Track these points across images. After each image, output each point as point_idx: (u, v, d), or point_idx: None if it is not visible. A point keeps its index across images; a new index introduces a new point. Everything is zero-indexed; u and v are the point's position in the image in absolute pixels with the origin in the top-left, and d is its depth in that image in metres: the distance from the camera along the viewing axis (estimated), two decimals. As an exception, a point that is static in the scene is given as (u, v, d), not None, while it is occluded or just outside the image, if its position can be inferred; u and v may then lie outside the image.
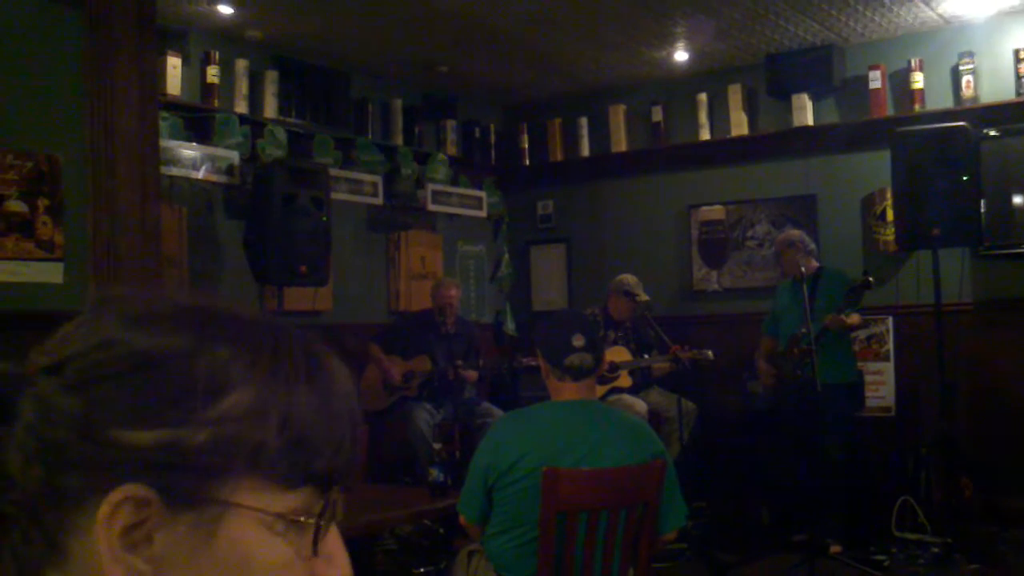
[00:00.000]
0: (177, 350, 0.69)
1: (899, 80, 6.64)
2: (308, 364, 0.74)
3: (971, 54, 6.36)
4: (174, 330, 0.70)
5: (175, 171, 5.85)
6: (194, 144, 6.00)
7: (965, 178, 5.70)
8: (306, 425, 0.72)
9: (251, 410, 0.70)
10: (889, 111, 6.65)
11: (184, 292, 0.75)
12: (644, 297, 6.58)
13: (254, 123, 6.35)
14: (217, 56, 6.19)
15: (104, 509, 0.67)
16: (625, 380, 6.52)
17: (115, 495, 0.67)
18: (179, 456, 0.67)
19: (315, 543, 0.72)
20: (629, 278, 6.68)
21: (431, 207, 7.56)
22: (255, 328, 0.73)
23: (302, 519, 0.71)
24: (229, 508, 0.69)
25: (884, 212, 6.66)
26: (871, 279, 5.48)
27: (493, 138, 8.23)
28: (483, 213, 8.09)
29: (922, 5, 6.09)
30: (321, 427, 0.73)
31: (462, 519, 3.12)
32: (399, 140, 7.34)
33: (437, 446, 4.39)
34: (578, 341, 3.02)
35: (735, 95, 7.23)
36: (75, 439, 0.67)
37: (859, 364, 6.28)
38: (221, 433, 0.68)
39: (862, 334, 6.48)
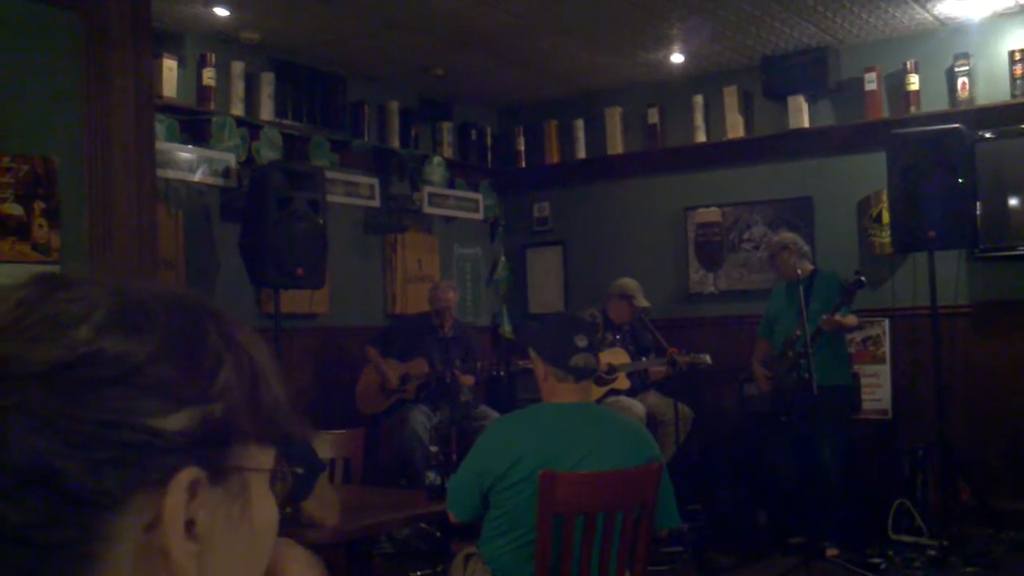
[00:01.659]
0: (174, 333, 0.69)
1: (894, 82, 6.65)
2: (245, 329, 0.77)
3: (966, 56, 6.37)
4: (158, 322, 0.69)
5: (171, 174, 5.84)
6: (190, 147, 5.99)
7: (961, 180, 5.70)
8: (268, 384, 0.74)
9: (239, 376, 0.71)
10: (884, 113, 6.67)
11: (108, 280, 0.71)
12: (644, 303, 6.58)
13: (250, 125, 6.35)
14: (213, 58, 6.18)
15: (171, 500, 0.65)
16: (623, 382, 6.52)
17: (178, 481, 0.66)
18: (206, 432, 0.68)
19: (294, 497, 0.76)
20: (630, 282, 6.69)
21: (427, 209, 7.55)
22: (197, 303, 0.75)
23: (285, 472, 0.75)
24: (248, 474, 0.71)
25: (880, 214, 6.67)
26: (863, 278, 5.48)
27: (489, 140, 8.24)
28: (479, 215, 8.09)
29: (917, 7, 6.10)
30: (275, 384, 0.75)
31: (453, 519, 3.11)
32: (395, 142, 7.34)
33: (434, 449, 4.38)
34: (581, 341, 3.03)
35: (731, 97, 7.24)
36: (105, 436, 0.64)
37: (855, 366, 6.29)
38: (229, 403, 0.70)
39: (858, 336, 6.49)
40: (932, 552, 5.38)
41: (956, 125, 5.85)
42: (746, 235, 7.33)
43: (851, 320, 5.70)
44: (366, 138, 7.15)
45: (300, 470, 0.76)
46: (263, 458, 0.73)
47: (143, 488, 0.65)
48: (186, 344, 0.69)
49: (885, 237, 6.56)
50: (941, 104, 6.49)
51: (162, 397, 0.66)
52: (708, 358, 6.27)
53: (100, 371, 0.65)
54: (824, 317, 5.50)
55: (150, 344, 0.67)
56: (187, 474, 0.66)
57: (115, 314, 0.67)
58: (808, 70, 6.81)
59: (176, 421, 0.66)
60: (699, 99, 7.38)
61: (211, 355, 0.70)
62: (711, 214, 7.46)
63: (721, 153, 7.34)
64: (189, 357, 0.69)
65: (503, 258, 8.36)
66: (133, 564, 0.65)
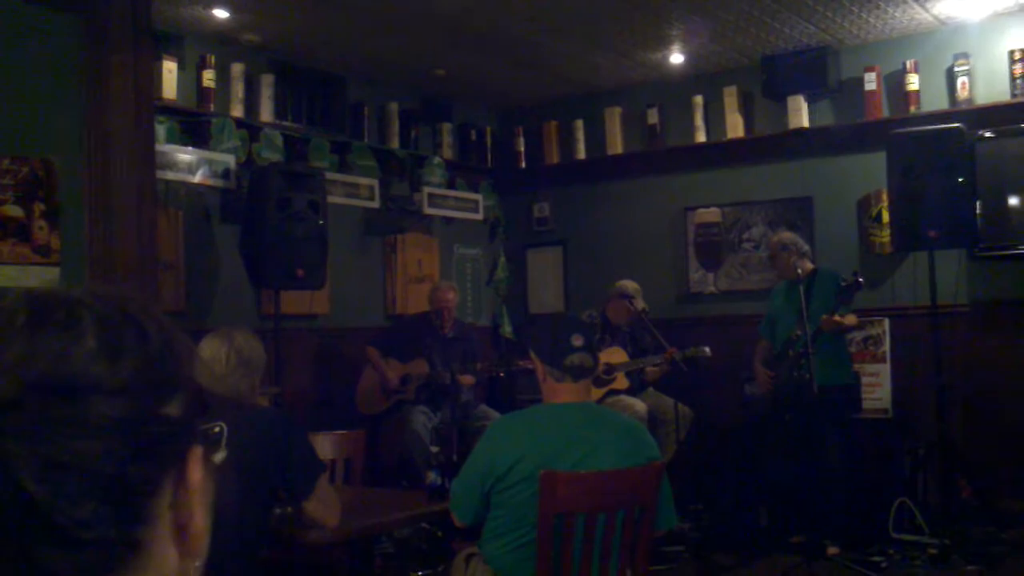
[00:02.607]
0: (157, 334, 0.75)
1: (894, 82, 6.65)
2: None
3: (966, 55, 6.37)
4: (143, 327, 0.75)
5: (171, 175, 5.85)
6: (190, 148, 6.00)
7: (960, 180, 5.70)
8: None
9: (190, 363, 0.79)
10: (884, 113, 6.67)
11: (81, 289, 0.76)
12: (642, 304, 6.57)
13: (250, 127, 6.35)
14: (213, 60, 6.19)
15: (195, 475, 0.74)
16: (622, 382, 6.53)
17: (195, 456, 0.75)
18: (191, 412, 0.75)
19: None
20: (629, 284, 6.68)
21: (427, 210, 7.56)
22: (147, 301, 0.80)
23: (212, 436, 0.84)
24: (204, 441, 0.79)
25: (880, 214, 6.67)
26: (860, 279, 5.48)
27: (489, 141, 8.24)
28: (479, 216, 8.09)
29: (917, 6, 6.11)
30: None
31: (457, 522, 3.11)
32: (395, 143, 7.34)
33: (434, 449, 4.39)
34: (577, 341, 3.03)
35: (731, 97, 7.24)
36: (142, 430, 0.70)
37: (856, 366, 6.28)
38: (194, 386, 0.77)
39: (858, 336, 6.49)
40: (933, 550, 5.37)
41: (956, 125, 5.85)
42: (746, 235, 7.33)
43: (851, 320, 5.70)
44: (366, 139, 7.16)
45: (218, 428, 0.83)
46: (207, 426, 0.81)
47: (170, 469, 0.73)
48: (165, 342, 0.76)
49: (885, 236, 6.56)
50: (941, 104, 6.50)
51: (165, 390, 0.73)
52: (707, 350, 6.27)
53: (119, 376, 0.70)
54: (824, 317, 5.50)
55: (146, 347, 0.73)
56: (198, 450, 0.75)
57: (108, 327, 0.73)
58: (808, 70, 6.81)
59: (175, 407, 0.73)
60: (699, 99, 7.38)
61: (179, 348, 0.77)
62: (711, 214, 7.47)
63: (721, 153, 7.34)
64: (169, 353, 0.75)
65: (503, 258, 8.37)
66: (166, 540, 0.72)
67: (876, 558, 5.39)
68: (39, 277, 4.13)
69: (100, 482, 0.67)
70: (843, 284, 5.50)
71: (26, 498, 0.64)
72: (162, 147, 5.60)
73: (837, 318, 5.54)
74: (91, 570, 0.67)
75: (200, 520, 0.74)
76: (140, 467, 0.69)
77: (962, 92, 6.37)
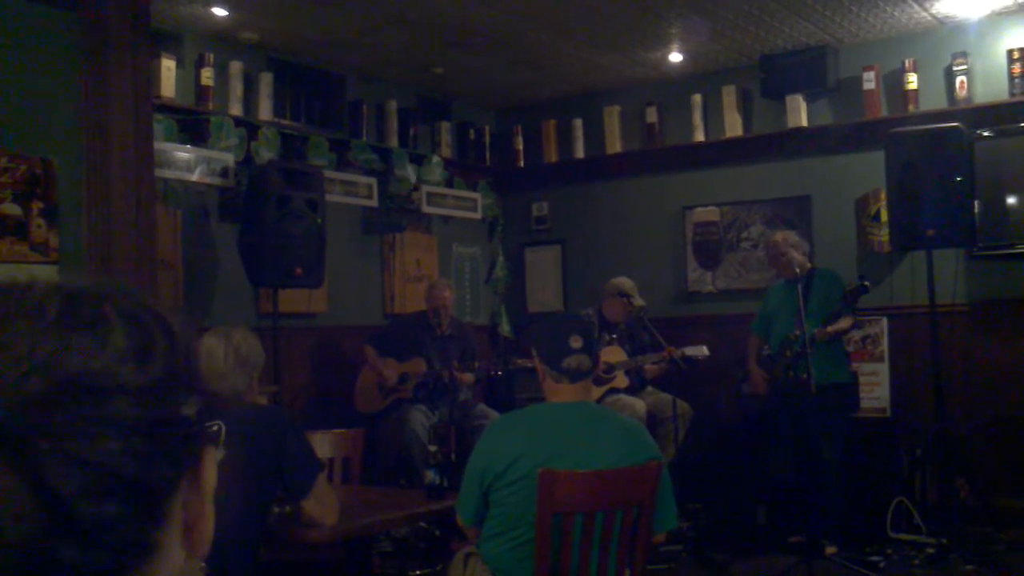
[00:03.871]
0: (178, 335, 0.76)
1: (893, 81, 6.65)
2: None
3: (965, 55, 6.37)
4: (167, 329, 0.75)
5: (169, 174, 5.84)
6: (188, 146, 5.99)
7: (959, 179, 5.70)
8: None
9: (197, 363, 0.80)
10: (883, 112, 6.67)
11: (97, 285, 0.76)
12: (640, 302, 6.57)
13: (249, 125, 6.34)
14: (211, 58, 6.18)
15: (209, 476, 0.75)
16: (621, 380, 6.52)
17: (210, 457, 0.76)
18: (205, 412, 0.76)
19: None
20: (625, 281, 6.67)
21: (426, 209, 7.55)
22: (155, 302, 0.80)
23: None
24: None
25: (878, 213, 6.67)
26: (867, 283, 5.48)
27: (488, 140, 8.24)
28: (478, 215, 8.09)
29: (915, 6, 6.11)
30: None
31: (459, 521, 3.12)
32: (394, 142, 7.34)
33: (433, 448, 4.38)
34: (576, 343, 3.02)
35: (729, 96, 7.24)
36: (162, 432, 0.70)
37: (854, 365, 6.28)
38: (204, 385, 0.77)
39: (856, 335, 6.49)
40: (931, 550, 5.38)
41: (954, 124, 5.84)
42: (744, 234, 7.33)
43: (843, 325, 5.69)
44: (364, 137, 7.15)
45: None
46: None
47: (186, 470, 0.73)
48: (187, 343, 0.76)
49: (883, 235, 6.56)
50: (939, 103, 6.50)
51: (186, 391, 0.73)
52: (705, 349, 6.26)
53: (148, 376, 0.70)
54: (817, 331, 5.50)
55: (173, 348, 0.74)
56: (211, 450, 0.75)
57: (137, 327, 0.72)
58: (807, 69, 6.81)
59: (191, 408, 0.73)
60: (698, 98, 7.38)
61: (195, 349, 0.78)
62: (709, 213, 7.47)
63: (719, 152, 7.34)
64: (191, 354, 0.76)
65: (501, 257, 8.36)
66: (177, 541, 0.72)
67: (874, 558, 5.39)
68: (37, 276, 4.12)
69: (122, 482, 0.67)
70: (849, 289, 5.50)
71: (50, 495, 0.64)
72: (160, 145, 5.58)
73: (829, 330, 5.56)
74: (109, 571, 0.67)
75: (208, 521, 0.75)
76: (160, 468, 0.69)
77: (961, 91, 6.38)
